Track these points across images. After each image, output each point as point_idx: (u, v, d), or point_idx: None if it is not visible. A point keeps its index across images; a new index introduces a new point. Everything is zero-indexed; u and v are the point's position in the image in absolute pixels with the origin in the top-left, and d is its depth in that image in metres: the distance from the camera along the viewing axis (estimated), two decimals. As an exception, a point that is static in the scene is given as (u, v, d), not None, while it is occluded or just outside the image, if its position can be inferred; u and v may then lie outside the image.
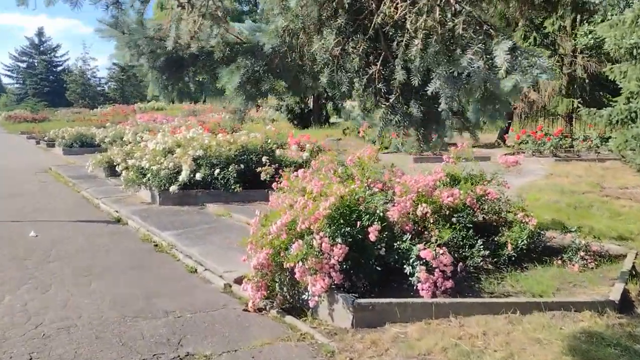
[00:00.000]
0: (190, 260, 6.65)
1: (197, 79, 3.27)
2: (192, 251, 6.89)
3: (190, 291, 5.64)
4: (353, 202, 4.92)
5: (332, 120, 33.78)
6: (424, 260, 4.50)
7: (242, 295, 5.42)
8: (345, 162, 6.68)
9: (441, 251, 4.50)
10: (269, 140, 11.02)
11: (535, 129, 14.95)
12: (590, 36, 14.72)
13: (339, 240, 4.54)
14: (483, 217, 5.82)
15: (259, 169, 10.19)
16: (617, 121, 12.05)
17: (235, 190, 9.91)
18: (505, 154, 15.04)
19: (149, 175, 10.27)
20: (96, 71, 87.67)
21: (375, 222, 4.68)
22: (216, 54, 3.03)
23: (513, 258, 5.36)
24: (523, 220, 5.66)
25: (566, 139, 14.11)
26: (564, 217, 7.46)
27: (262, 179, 10.14)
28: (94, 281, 5.97)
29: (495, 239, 5.53)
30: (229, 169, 10.00)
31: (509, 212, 5.92)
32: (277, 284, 4.91)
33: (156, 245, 7.51)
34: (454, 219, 5.50)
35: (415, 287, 4.50)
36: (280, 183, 9.90)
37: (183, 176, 9.89)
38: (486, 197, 6.03)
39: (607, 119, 12.26)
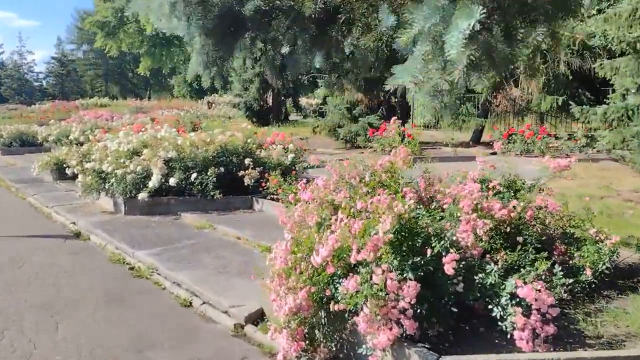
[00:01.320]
0: (180, 290, 5.38)
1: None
2: (181, 277, 5.61)
3: (192, 335, 4.40)
4: (413, 222, 3.82)
5: (291, 117, 32.58)
6: (518, 299, 3.45)
7: (262, 340, 4.23)
8: (375, 166, 5.58)
9: (538, 286, 3.47)
10: (250, 140, 9.77)
11: (509, 129, 14.29)
12: (573, 32, 14.22)
13: (409, 274, 3.43)
14: (548, 234, 4.84)
15: (241, 173, 8.93)
16: (614, 119, 11.47)
17: (215, 197, 8.62)
18: (490, 154, 14.35)
19: (112, 180, 8.83)
20: (33, 65, 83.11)
21: (450, 249, 3.60)
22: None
23: (593, 285, 4.41)
24: (598, 238, 4.72)
25: (552, 138, 13.52)
26: (602, 228, 6.62)
27: (245, 184, 8.89)
28: (61, 322, 4.63)
29: (570, 262, 4.56)
30: (208, 173, 8.69)
31: (574, 226, 4.98)
32: (320, 333, 3.75)
33: (132, 269, 6.17)
34: (519, 238, 4.49)
35: (508, 336, 3.45)
36: (267, 188, 8.73)
37: (154, 181, 8.51)
38: (546, 209, 5.06)
39: (602, 116, 11.66)
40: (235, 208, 8.87)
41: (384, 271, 3.41)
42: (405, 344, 3.40)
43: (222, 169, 8.88)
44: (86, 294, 5.34)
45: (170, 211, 8.78)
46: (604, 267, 4.45)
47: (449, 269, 3.50)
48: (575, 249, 4.74)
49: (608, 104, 11.65)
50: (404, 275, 3.44)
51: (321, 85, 19.00)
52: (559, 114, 16.35)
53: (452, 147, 16.33)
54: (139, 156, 9.09)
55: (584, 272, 4.43)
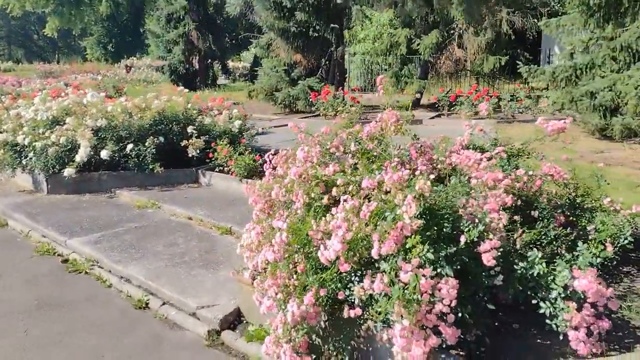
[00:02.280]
0: (131, 287, 4.46)
1: None
2: (130, 271, 4.68)
3: (156, 349, 3.55)
4: (441, 202, 3.13)
5: (219, 81, 31.02)
6: (570, 291, 2.88)
7: (247, 351, 3.46)
8: (360, 135, 4.82)
9: (591, 275, 2.91)
10: (190, 106, 8.70)
11: (458, 90, 13.98)
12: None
13: (445, 269, 2.76)
14: (558, 206, 4.33)
15: (183, 143, 7.92)
16: (562, 78, 11.33)
17: (155, 170, 7.58)
18: (438, 116, 13.98)
19: (30, 154, 7.56)
20: None
21: (488, 235, 2.96)
22: None
23: (615, 262, 3.96)
24: (612, 208, 4.26)
25: (496, 99, 13.28)
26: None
27: (189, 155, 7.90)
28: (-19, 340, 3.63)
29: (587, 236, 4.06)
30: (146, 144, 7.61)
31: (584, 195, 4.50)
32: (331, 346, 3.02)
33: (66, 262, 5.14)
34: (534, 213, 3.94)
35: (560, 337, 2.88)
36: (214, 159, 7.79)
37: (81, 154, 7.34)
38: (552, 178, 4.54)
39: (551, 76, 11.50)
40: (178, 183, 7.88)
41: (414, 267, 2.71)
42: (444, 357, 2.75)
43: (161, 139, 7.82)
44: (14, 296, 4.32)
45: (102, 188, 7.67)
46: (625, 241, 3.99)
47: (488, 259, 2.86)
48: (586, 221, 4.26)
49: (557, 64, 11.46)
50: (439, 270, 2.77)
51: (255, 46, 17.84)
52: (501, 74, 16.23)
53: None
54: (62, 126, 7.84)
55: (605, 248, 3.95)
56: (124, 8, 60.22)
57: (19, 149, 7.92)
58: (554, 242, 3.76)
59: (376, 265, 2.90)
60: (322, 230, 3.17)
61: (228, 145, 7.82)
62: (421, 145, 4.73)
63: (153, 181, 7.77)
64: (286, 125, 11.23)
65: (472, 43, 14.39)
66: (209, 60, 29.83)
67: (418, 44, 14.63)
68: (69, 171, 7.26)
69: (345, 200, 3.21)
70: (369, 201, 3.23)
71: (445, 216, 3.05)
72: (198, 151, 7.86)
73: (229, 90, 26.45)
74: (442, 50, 14.94)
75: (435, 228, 3.02)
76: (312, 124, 13.10)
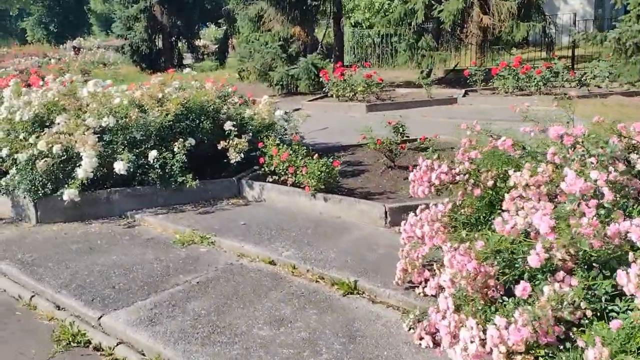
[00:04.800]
0: None
1: None
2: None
3: None
4: None
5: (185, 61, 28.33)
6: None
7: None
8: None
9: None
10: (222, 94, 6.63)
11: (501, 62, 12.03)
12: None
13: None
14: None
15: (221, 144, 5.90)
16: (630, 45, 9.77)
17: (187, 184, 5.56)
18: (466, 93, 12.25)
19: (12, 171, 5.40)
20: None
21: None
22: None
23: None
24: None
25: (547, 71, 11.46)
26: None
27: (231, 160, 5.90)
28: None
29: None
30: (174, 149, 5.57)
31: None
32: None
33: (114, 363, 3.16)
34: None
35: None
36: (267, 166, 5.82)
37: (86, 168, 5.23)
38: None
39: (616, 42, 9.93)
40: (216, 198, 5.90)
41: None
42: None
43: (191, 141, 5.78)
44: None
45: (114, 212, 5.61)
46: None
47: None
48: None
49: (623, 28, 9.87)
50: None
51: (241, 18, 15.63)
52: (535, 44, 14.68)
53: (406, 89, 14.04)
54: (50, 128, 5.68)
55: None
56: (65, -16, 55.91)
57: (-9, 162, 5.74)
58: None
59: None
60: None
61: (280, 145, 5.86)
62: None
63: (182, 198, 5.77)
64: (296, 109, 9.23)
65: (499, 8, 12.67)
66: (173, 39, 27.12)
67: (439, 11, 12.80)
68: (70, 193, 5.16)
69: None
70: None
71: None
72: (242, 155, 5.87)
73: (199, 71, 23.98)
74: (464, 17, 13.17)
75: None
76: (328, 108, 11.05)
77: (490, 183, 3.01)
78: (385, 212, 4.67)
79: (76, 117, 5.76)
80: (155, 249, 4.66)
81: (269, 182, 5.76)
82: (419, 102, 11.52)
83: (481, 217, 3.17)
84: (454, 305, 2.58)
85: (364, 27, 20.23)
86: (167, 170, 5.60)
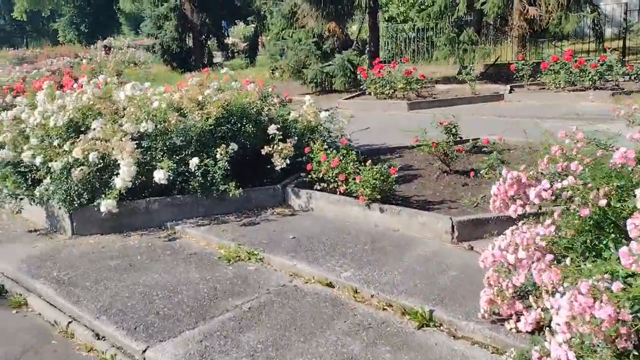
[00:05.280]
0: None
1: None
2: None
3: None
4: None
5: (215, 60, 28.09)
6: None
7: None
8: None
9: None
10: (265, 95, 6.23)
11: (552, 56, 11.23)
12: None
13: None
14: None
15: (265, 149, 5.50)
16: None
17: (230, 192, 5.18)
18: (512, 89, 11.60)
19: (46, 180, 5.10)
20: None
21: None
22: None
23: None
24: None
25: (603, 64, 10.67)
26: None
27: (276, 166, 5.50)
28: None
29: None
30: (217, 155, 5.19)
31: None
32: None
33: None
34: None
35: None
36: (315, 172, 5.39)
37: (124, 177, 4.89)
38: None
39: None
40: (259, 207, 5.51)
41: None
42: None
43: (234, 146, 5.39)
44: None
45: (153, 223, 5.27)
46: None
47: None
48: None
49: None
50: None
51: (274, 14, 15.23)
52: (577, 36, 13.94)
53: (446, 85, 13.46)
54: (85, 133, 5.36)
55: None
56: (95, -15, 56.55)
57: (24, 169, 5.45)
58: None
59: None
60: None
61: (328, 149, 5.44)
62: None
63: (223, 207, 5.40)
64: (331, 108, 8.77)
65: (547, -1, 11.99)
66: (203, 37, 26.91)
67: (483, 3, 12.19)
68: (107, 204, 4.82)
69: None
70: None
71: None
72: (288, 161, 5.46)
73: (230, 69, 23.72)
74: (509, 8, 12.53)
75: None
76: (366, 106, 10.51)
77: (602, 202, 2.53)
78: (452, 226, 4.20)
79: (112, 122, 5.43)
80: (199, 266, 4.28)
81: (316, 190, 5.34)
82: (463, 99, 10.97)
83: (588, 241, 2.69)
84: (575, 358, 2.12)
85: (398, 21, 19.64)
86: (208, 178, 5.23)
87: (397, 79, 11.20)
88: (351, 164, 5.12)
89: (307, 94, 14.30)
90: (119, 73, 14.83)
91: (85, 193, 5.09)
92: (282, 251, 4.31)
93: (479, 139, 7.05)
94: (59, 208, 5.15)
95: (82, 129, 5.55)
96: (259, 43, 27.30)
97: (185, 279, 4.04)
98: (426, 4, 19.06)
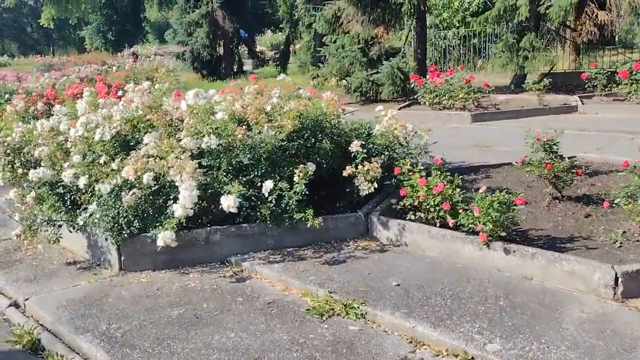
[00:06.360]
0: None
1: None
2: None
3: None
4: None
5: (245, 67, 27.39)
6: None
7: None
8: None
9: None
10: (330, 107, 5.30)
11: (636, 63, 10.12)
12: None
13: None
14: None
15: (348, 170, 4.59)
16: None
17: (308, 222, 4.28)
18: (581, 99, 10.56)
19: (92, 207, 4.25)
20: None
21: None
22: None
23: None
24: None
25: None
26: None
27: (362, 191, 4.58)
28: None
29: None
30: (295, 178, 4.30)
31: None
32: None
33: None
34: None
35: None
36: (410, 198, 4.45)
37: (185, 203, 4.01)
38: None
39: None
40: (338, 239, 4.62)
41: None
42: None
43: (312, 167, 4.49)
44: None
45: (214, 257, 4.41)
46: None
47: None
48: None
49: None
50: None
51: (319, 18, 14.40)
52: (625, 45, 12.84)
53: (503, 95, 12.43)
54: (133, 149, 4.53)
55: None
56: (122, -8, 56.71)
57: (62, 190, 4.63)
58: None
59: None
60: None
61: (422, 170, 4.51)
62: None
63: (295, 238, 4.53)
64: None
65: (619, 2, 10.95)
66: (234, 44, 26.23)
67: (548, 6, 11.19)
68: (166, 237, 3.96)
69: None
70: None
71: None
72: (375, 185, 4.54)
73: (261, 77, 22.89)
74: (576, 13, 11.51)
75: None
76: (422, 118, 9.49)
77: None
78: (616, 278, 3.23)
79: (167, 135, 4.58)
80: (284, 321, 3.38)
81: (410, 220, 4.41)
82: (530, 111, 9.97)
83: None
84: None
85: (441, 27, 18.69)
86: (282, 205, 4.34)
87: (458, 88, 10.24)
88: (458, 190, 4.19)
89: (350, 103, 13.48)
90: (152, 80, 14.10)
91: (135, 221, 4.24)
92: (389, 305, 3.38)
93: (575, 157, 6.11)
94: (105, 238, 4.30)
95: (131, 144, 4.72)
96: (291, 51, 26.55)
97: (271, 341, 3.14)
98: (471, 9, 18.14)
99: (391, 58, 13.02)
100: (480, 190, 4.06)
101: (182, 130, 4.65)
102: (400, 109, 11.37)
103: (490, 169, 6.23)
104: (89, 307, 3.71)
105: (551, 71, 13.89)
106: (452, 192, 4.18)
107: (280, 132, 4.49)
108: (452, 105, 10.48)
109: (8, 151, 5.05)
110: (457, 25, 18.42)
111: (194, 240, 4.38)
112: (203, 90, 4.77)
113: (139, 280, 4.13)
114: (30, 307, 3.86)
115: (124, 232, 4.22)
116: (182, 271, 4.26)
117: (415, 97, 11.38)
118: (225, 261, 4.38)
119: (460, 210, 4.05)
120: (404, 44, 14.33)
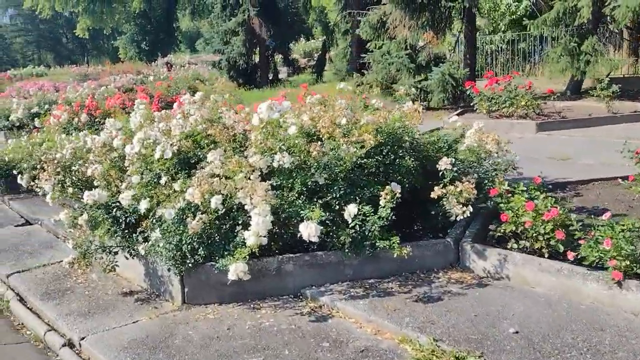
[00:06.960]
0: None
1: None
2: None
3: None
4: None
5: (280, 76, 27.05)
6: None
7: None
8: None
9: None
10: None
11: None
12: None
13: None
14: None
15: (437, 192, 4.02)
16: None
17: (394, 251, 3.74)
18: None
19: (155, 234, 3.79)
20: (-48, 33, 73.13)
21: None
22: None
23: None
24: None
25: None
26: None
27: (455, 215, 4.01)
28: None
29: None
30: (382, 201, 3.77)
31: None
32: None
33: None
34: None
35: None
36: (512, 224, 3.85)
37: (258, 230, 3.51)
38: None
39: None
40: (423, 269, 4.08)
41: None
42: None
43: (397, 189, 3.95)
44: None
45: (285, 288, 3.92)
46: None
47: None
48: None
49: None
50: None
51: (363, 24, 13.88)
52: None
53: (562, 102, 11.68)
54: (194, 167, 4.06)
55: None
56: (156, 3, 57.31)
57: (118, 213, 4.18)
58: None
59: None
60: None
61: (525, 192, 3.93)
62: None
63: (375, 268, 4.02)
64: (436, 129, 7.25)
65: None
66: (270, 52, 25.92)
67: (614, 7, 10.46)
68: (238, 270, 3.46)
69: None
70: None
71: None
72: (471, 209, 3.96)
73: (292, 86, 22.36)
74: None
75: None
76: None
77: None
78: None
79: (232, 152, 4.11)
80: (385, 376, 2.84)
81: (512, 249, 3.83)
82: (599, 119, 9.26)
83: None
84: None
85: (487, 31, 17.97)
86: (365, 232, 3.81)
87: (520, 95, 9.59)
88: (573, 216, 3.60)
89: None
90: (194, 90, 13.81)
91: (200, 248, 3.76)
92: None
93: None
94: (167, 268, 3.84)
95: (192, 161, 4.26)
96: (327, 58, 26.12)
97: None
98: (519, 12, 17.39)
99: (440, 64, 12.41)
100: (604, 217, 3.46)
101: (248, 147, 4.17)
102: (458, 116, 10.76)
103: (579, 186, 5.63)
104: (154, 350, 3.24)
105: (609, 76, 13.10)
106: (566, 218, 3.59)
107: (361, 148, 3.97)
108: (512, 113, 9.83)
109: (58, 169, 4.63)
110: (504, 29, 17.68)
111: (264, 270, 3.88)
112: (277, 102, 4.26)
113: (206, 317, 3.65)
114: (86, 348, 3.42)
115: (187, 261, 3.76)
116: (252, 305, 3.76)
117: (471, 104, 10.75)
118: (299, 294, 3.88)
119: (581, 242, 3.45)
120: (452, 49, 13.72)
